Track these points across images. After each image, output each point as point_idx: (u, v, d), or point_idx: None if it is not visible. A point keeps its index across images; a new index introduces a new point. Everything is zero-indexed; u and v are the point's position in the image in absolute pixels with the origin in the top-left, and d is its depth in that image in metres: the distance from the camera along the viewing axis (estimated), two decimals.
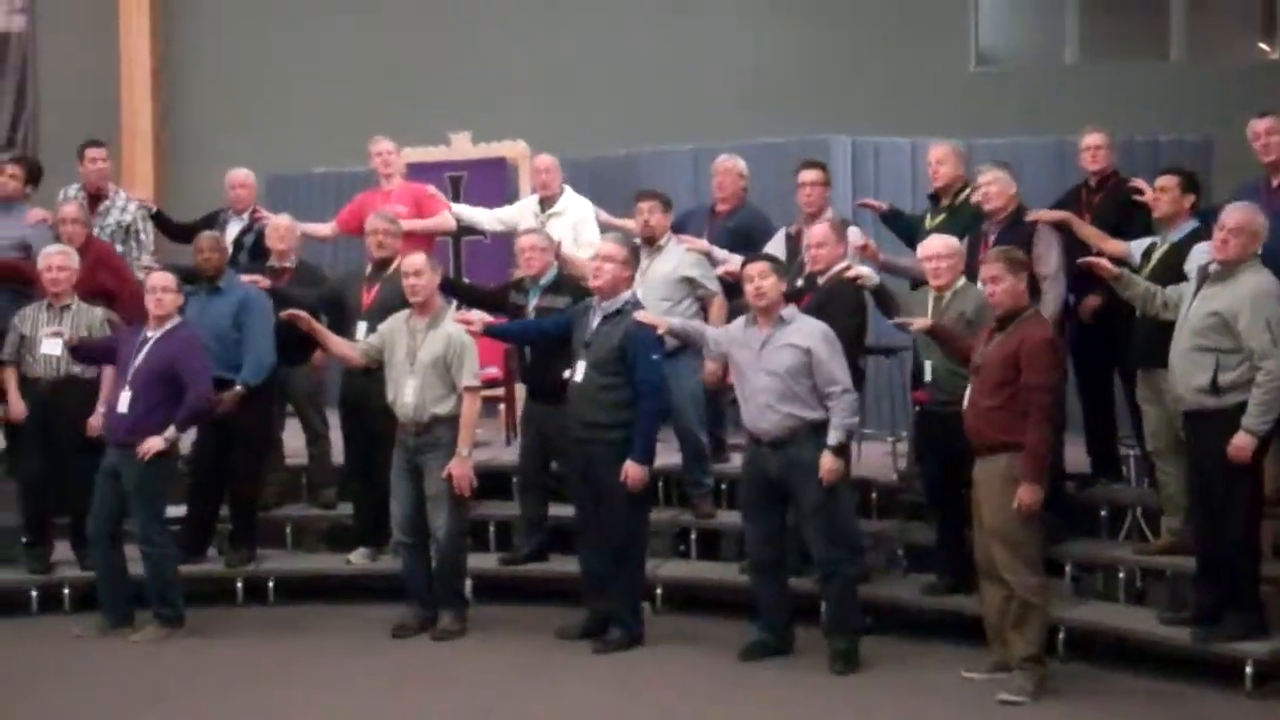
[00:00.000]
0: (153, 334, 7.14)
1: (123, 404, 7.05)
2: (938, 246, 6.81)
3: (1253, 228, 6.07)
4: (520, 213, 8.89)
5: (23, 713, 6.22)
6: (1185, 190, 6.81)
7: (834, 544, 6.58)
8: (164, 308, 7.15)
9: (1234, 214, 6.10)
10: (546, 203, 8.74)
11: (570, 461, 7.10)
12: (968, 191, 7.59)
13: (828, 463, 6.41)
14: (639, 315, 6.81)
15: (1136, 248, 6.90)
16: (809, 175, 7.76)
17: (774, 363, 6.50)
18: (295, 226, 8.44)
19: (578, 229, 8.45)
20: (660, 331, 6.80)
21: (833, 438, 6.44)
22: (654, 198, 7.84)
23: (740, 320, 6.77)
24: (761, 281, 6.54)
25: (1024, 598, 6.12)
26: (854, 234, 7.52)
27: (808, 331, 6.50)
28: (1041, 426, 6.04)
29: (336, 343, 7.41)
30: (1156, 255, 6.80)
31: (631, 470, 6.70)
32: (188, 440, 7.62)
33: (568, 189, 8.79)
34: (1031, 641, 6.17)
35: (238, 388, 7.59)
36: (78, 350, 7.38)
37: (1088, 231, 7.12)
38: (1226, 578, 6.20)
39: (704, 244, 7.84)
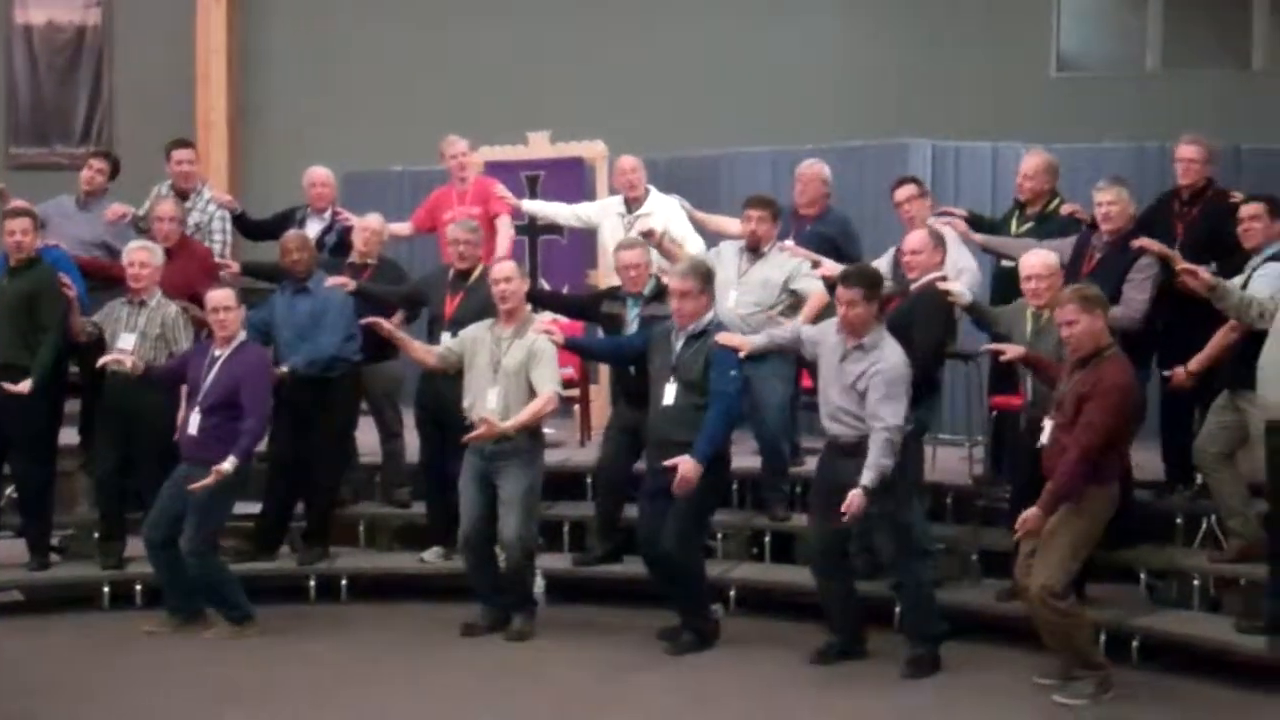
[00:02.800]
0: (220, 353, 7.16)
1: (192, 426, 7.07)
2: (1037, 266, 6.70)
3: None
4: (603, 212, 8.87)
5: (94, 709, 6.25)
6: (1274, 216, 6.76)
7: (901, 550, 6.56)
8: (228, 328, 7.15)
9: None
10: (633, 204, 8.68)
11: (650, 478, 7.01)
12: (1058, 202, 7.52)
13: (855, 501, 6.27)
14: (720, 337, 6.80)
15: (1234, 286, 6.76)
16: (903, 193, 7.70)
17: (846, 380, 6.48)
18: (384, 229, 8.42)
19: (668, 228, 8.32)
20: (742, 355, 6.78)
21: (865, 478, 6.29)
22: (765, 206, 7.75)
23: (832, 322, 6.71)
24: (850, 309, 6.47)
25: (1051, 620, 6.11)
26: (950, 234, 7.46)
27: (881, 363, 6.40)
28: (1073, 464, 5.97)
29: (414, 346, 7.45)
30: (1243, 282, 6.71)
31: (686, 465, 6.60)
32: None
33: (653, 189, 8.74)
34: (1080, 655, 6.21)
35: (283, 369, 7.58)
36: (145, 377, 7.37)
37: (1180, 260, 6.88)
38: None
39: (810, 254, 7.73)
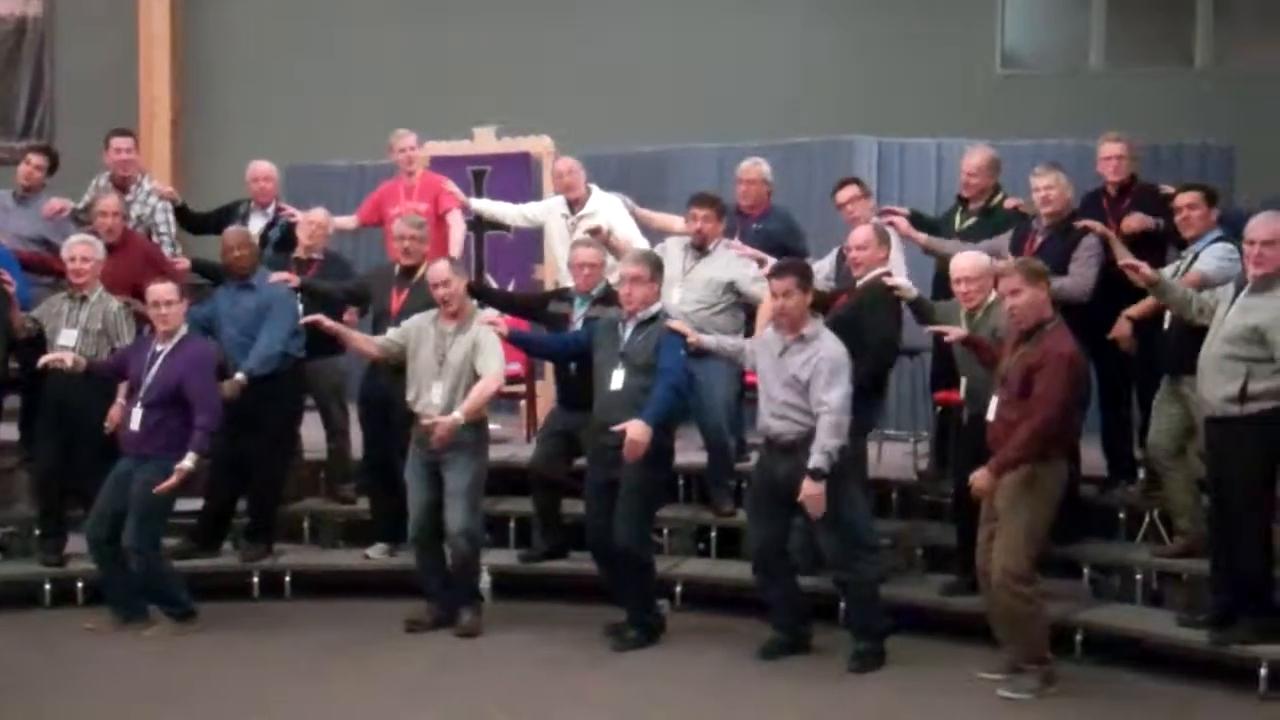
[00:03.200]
0: (162, 348, 7.08)
1: (134, 421, 6.99)
2: (967, 269, 6.70)
3: None
4: (548, 212, 8.79)
5: (34, 708, 6.15)
6: (1209, 204, 6.84)
7: (846, 547, 6.58)
8: (170, 322, 7.08)
9: (1263, 226, 6.09)
10: (575, 205, 8.60)
11: (596, 481, 6.98)
12: (1001, 196, 7.58)
13: (806, 488, 6.32)
14: (671, 323, 6.84)
15: (1169, 274, 6.81)
16: (845, 194, 7.72)
17: (787, 373, 6.49)
18: (329, 222, 8.38)
19: (612, 226, 8.24)
20: (690, 341, 6.81)
21: (812, 461, 6.32)
22: (710, 205, 7.74)
23: (771, 326, 6.75)
24: (785, 300, 6.50)
25: (1014, 606, 6.14)
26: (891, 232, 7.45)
27: (823, 352, 6.44)
28: (1031, 433, 5.99)
29: (353, 337, 7.42)
30: (1184, 268, 6.79)
31: (635, 429, 6.56)
32: None
33: (595, 189, 8.67)
34: (1032, 646, 6.22)
35: (239, 376, 7.54)
36: (86, 372, 7.28)
37: (1121, 252, 6.94)
38: (1241, 581, 6.23)
39: (756, 252, 7.69)
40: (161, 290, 7.12)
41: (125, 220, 8.24)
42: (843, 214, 7.70)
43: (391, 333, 7.33)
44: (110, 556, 7.07)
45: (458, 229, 8.87)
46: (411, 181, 8.99)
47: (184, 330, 7.16)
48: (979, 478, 6.11)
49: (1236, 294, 6.16)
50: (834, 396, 6.35)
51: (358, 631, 7.23)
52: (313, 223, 8.27)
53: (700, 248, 7.75)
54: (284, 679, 6.55)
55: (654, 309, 6.88)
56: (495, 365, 7.01)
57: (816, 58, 12.03)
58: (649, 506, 6.98)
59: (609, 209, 8.52)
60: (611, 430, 6.64)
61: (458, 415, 6.87)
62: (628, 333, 6.86)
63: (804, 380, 6.43)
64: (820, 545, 6.69)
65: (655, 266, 6.99)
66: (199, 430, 6.94)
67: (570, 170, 8.62)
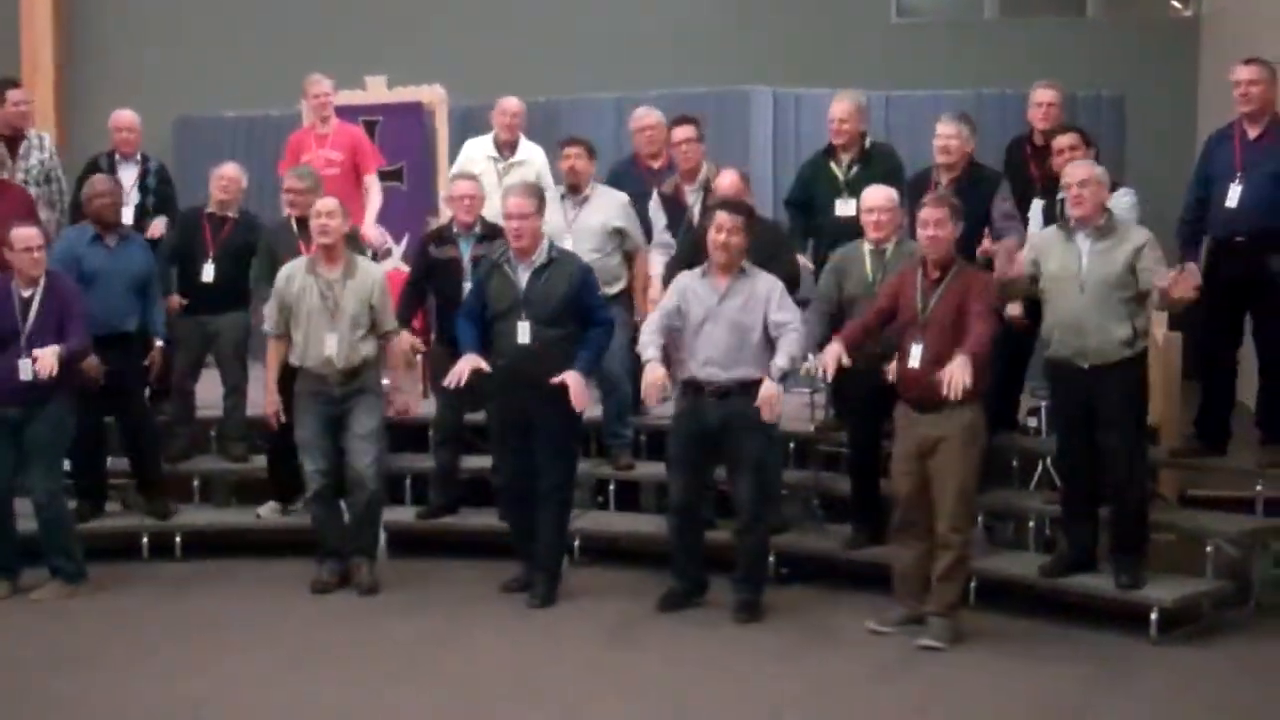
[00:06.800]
0: (30, 292, 6.89)
1: (24, 372, 6.78)
2: (879, 199, 6.69)
3: (1100, 177, 6.23)
4: (470, 161, 8.55)
5: None
6: (1087, 145, 6.90)
7: (760, 497, 6.55)
8: (41, 266, 6.92)
9: (1079, 169, 6.24)
10: (506, 149, 8.51)
11: (510, 423, 6.86)
12: (869, 141, 7.51)
13: (766, 388, 6.23)
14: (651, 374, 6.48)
15: (1034, 215, 6.96)
16: (682, 133, 7.67)
17: (732, 315, 6.42)
18: (241, 177, 8.16)
19: (540, 179, 8.21)
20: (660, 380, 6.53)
21: (779, 360, 6.27)
22: (579, 144, 7.74)
23: (690, 273, 6.63)
24: (731, 237, 6.43)
25: (961, 553, 6.20)
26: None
27: (763, 283, 6.45)
28: (984, 335, 6.00)
29: (272, 373, 7.19)
30: (1060, 210, 6.79)
31: (573, 378, 6.54)
32: None
33: (522, 137, 8.62)
34: (956, 591, 6.28)
35: (160, 344, 7.62)
36: None
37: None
38: (1130, 519, 6.36)
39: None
40: (29, 235, 6.93)
41: (8, 170, 8.02)
42: (676, 150, 7.68)
43: (271, 309, 7.09)
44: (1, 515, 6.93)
45: (376, 194, 8.71)
46: (324, 130, 8.81)
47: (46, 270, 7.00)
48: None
49: (1067, 242, 6.26)
50: (793, 313, 6.38)
51: (251, 591, 7.15)
52: (223, 177, 8.06)
53: (575, 189, 7.69)
54: (179, 641, 6.44)
55: (545, 249, 6.74)
56: (390, 325, 7.08)
57: (712, 7, 11.97)
58: (573, 451, 6.97)
59: (539, 158, 8.48)
60: (551, 383, 6.54)
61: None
62: (523, 279, 6.72)
63: (752, 318, 6.38)
64: (737, 492, 6.60)
65: (540, 199, 6.86)
66: (68, 349, 6.75)
67: (516, 112, 8.56)
